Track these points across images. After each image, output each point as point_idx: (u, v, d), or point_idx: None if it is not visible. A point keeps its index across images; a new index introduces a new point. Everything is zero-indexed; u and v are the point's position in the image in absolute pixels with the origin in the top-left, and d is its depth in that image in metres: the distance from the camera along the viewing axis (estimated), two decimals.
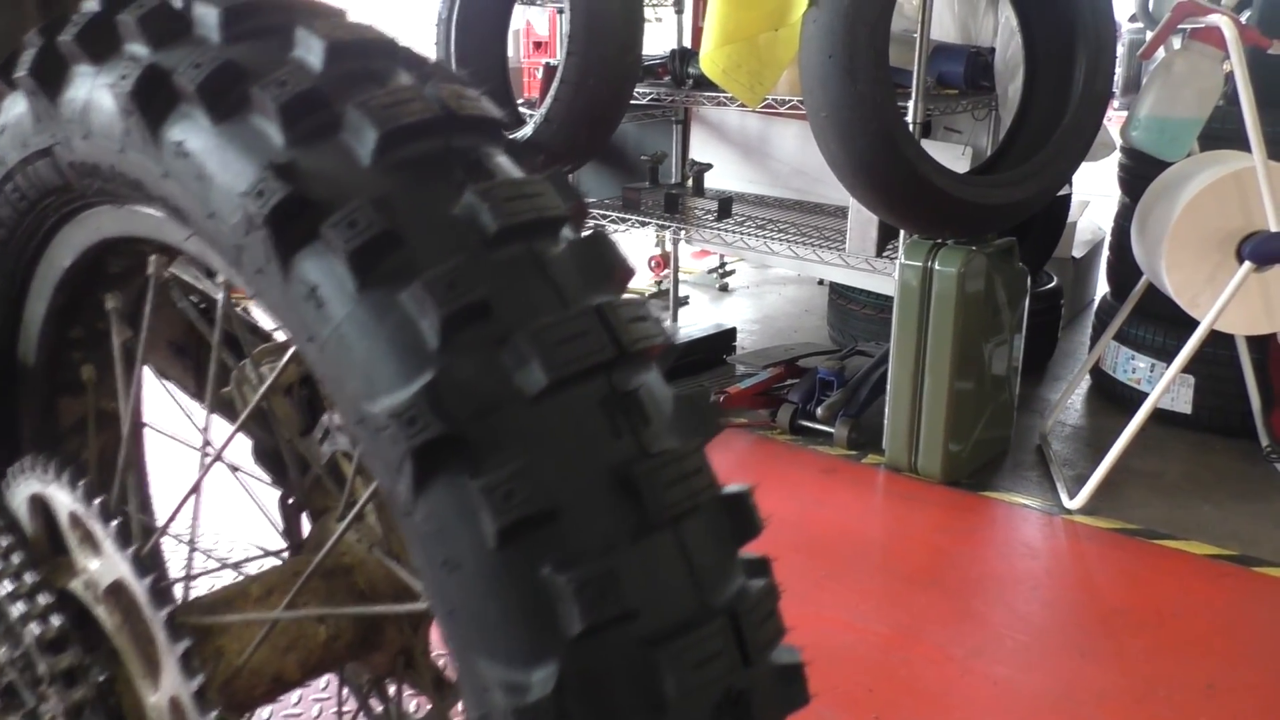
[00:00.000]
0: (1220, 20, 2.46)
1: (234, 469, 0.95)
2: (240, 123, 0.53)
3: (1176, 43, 2.84)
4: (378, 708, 0.95)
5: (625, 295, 0.55)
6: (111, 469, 0.96)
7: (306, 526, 0.94)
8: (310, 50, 0.54)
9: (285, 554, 0.97)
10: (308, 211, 0.50)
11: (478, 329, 0.48)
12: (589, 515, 0.46)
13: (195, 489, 0.70)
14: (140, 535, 0.71)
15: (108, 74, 0.57)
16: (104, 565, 0.63)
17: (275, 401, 0.94)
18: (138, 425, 0.84)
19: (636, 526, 0.48)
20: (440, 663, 0.85)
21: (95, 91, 0.58)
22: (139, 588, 0.60)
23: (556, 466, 0.46)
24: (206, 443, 0.85)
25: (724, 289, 4.84)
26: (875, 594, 2.26)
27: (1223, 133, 2.85)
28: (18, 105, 0.66)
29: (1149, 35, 8.21)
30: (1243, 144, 2.61)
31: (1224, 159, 2.64)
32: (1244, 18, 2.58)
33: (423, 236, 0.49)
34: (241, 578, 0.81)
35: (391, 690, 0.87)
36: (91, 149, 0.60)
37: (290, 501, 0.95)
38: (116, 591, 0.64)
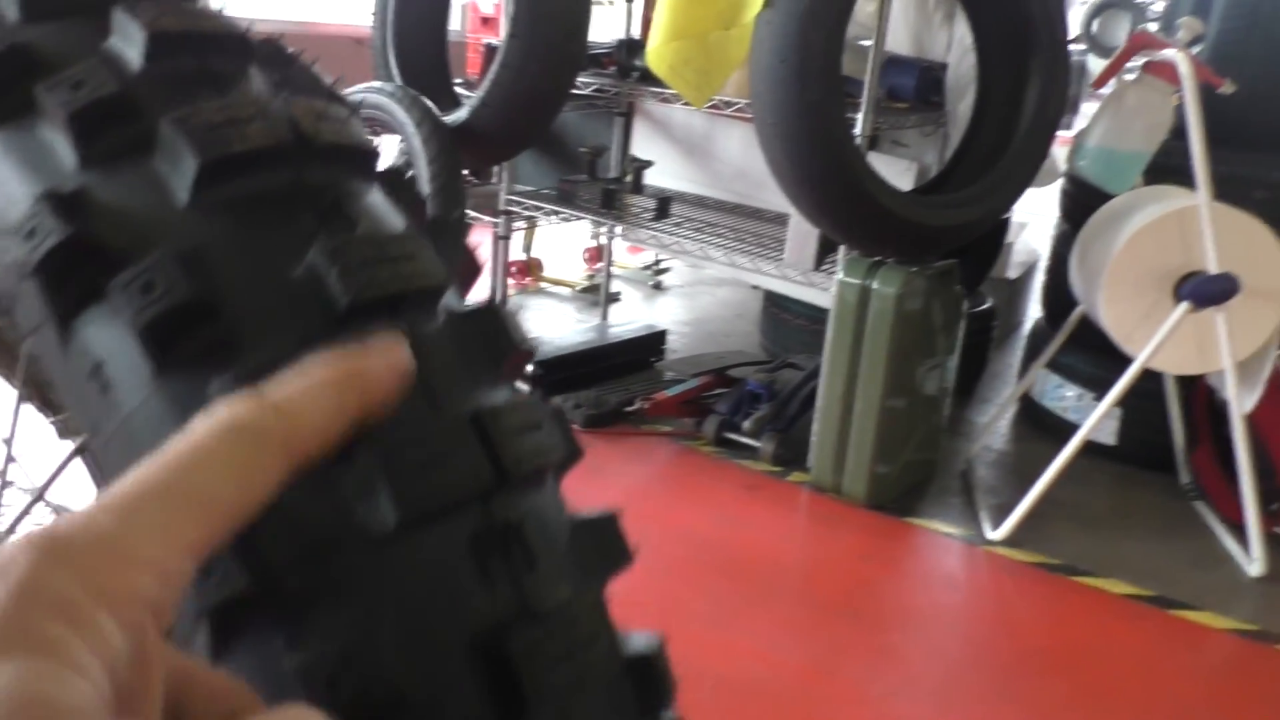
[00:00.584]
0: (1176, 56, 2.43)
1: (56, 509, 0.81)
2: (23, 131, 0.40)
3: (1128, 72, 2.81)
4: None
5: (517, 392, 0.41)
6: None
7: None
8: (128, 40, 0.41)
9: None
10: (94, 262, 0.37)
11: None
12: (446, 699, 0.35)
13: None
14: None
15: None
16: None
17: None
18: None
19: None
20: None
21: None
22: None
23: (402, 636, 0.34)
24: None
25: (657, 287, 4.74)
26: (794, 623, 2.19)
27: (1167, 166, 2.83)
28: None
29: (1090, 58, 8.28)
30: (1186, 178, 2.59)
31: (1168, 195, 2.62)
32: (1194, 52, 2.55)
33: (245, 308, 0.37)
34: None
35: None
36: None
37: None
38: None
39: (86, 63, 0.40)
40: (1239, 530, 2.62)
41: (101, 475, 0.39)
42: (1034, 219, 4.80)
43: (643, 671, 0.39)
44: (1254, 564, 2.49)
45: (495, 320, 0.41)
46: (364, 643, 0.33)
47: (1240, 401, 2.47)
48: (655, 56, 2.66)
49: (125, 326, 0.36)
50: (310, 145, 0.40)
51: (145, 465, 0.28)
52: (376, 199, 0.43)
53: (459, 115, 3.04)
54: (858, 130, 2.57)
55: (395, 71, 3.33)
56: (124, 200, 0.38)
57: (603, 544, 0.41)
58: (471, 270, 0.45)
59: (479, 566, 0.35)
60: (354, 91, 3.10)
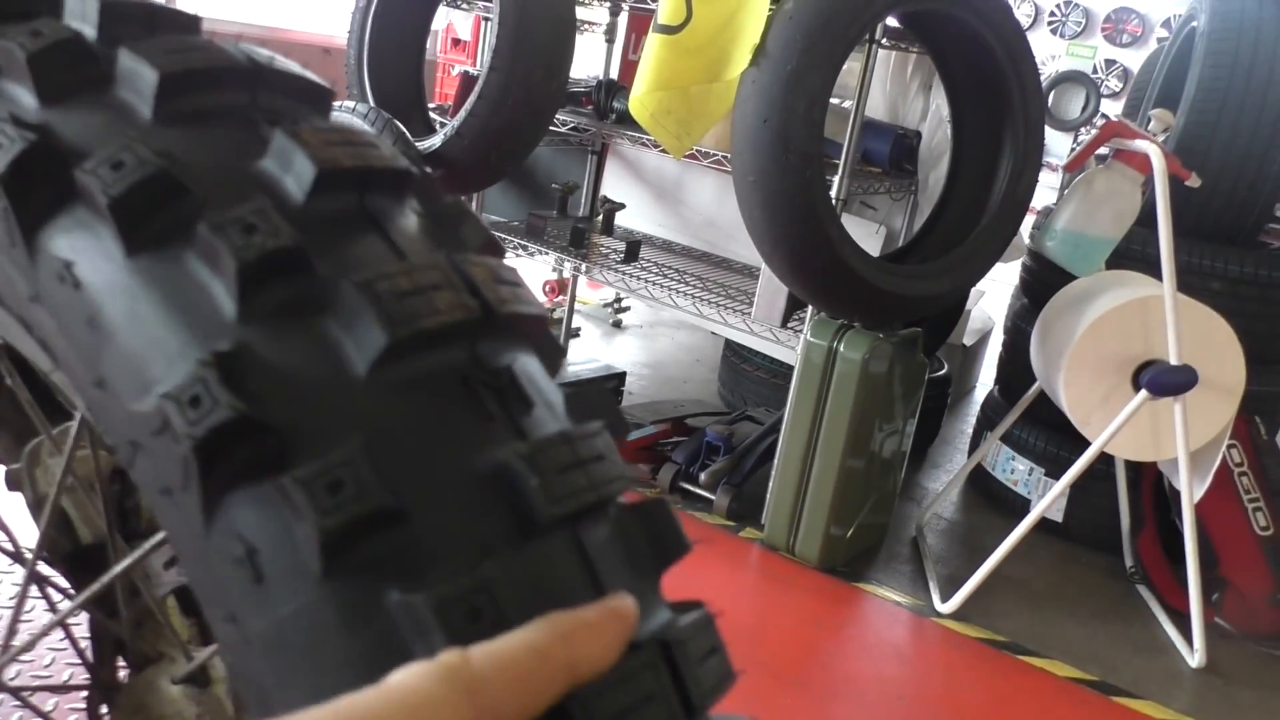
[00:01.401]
0: (1148, 147, 2.47)
1: (42, 581, 0.76)
2: (171, 264, 0.34)
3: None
4: None
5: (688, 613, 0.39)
6: None
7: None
8: (291, 169, 0.36)
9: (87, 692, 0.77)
10: (265, 442, 0.32)
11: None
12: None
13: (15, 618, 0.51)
14: None
15: None
16: None
17: (77, 499, 0.75)
18: None
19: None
20: None
21: None
22: None
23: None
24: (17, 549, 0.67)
25: (617, 325, 4.71)
26: (740, 689, 2.13)
27: (1128, 251, 2.88)
28: None
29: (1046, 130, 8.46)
30: (1146, 264, 2.64)
31: (1130, 282, 2.66)
32: (1163, 141, 2.61)
33: (438, 517, 0.33)
34: None
35: None
36: None
37: (105, 633, 0.76)
38: None
39: (256, 201, 0.35)
40: (1181, 618, 2.65)
41: (236, 665, 0.34)
42: (991, 286, 4.86)
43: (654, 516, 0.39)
44: (1195, 655, 2.52)
45: (662, 518, 0.39)
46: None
47: (1191, 491, 2.50)
48: (638, 104, 2.64)
49: (298, 524, 0.31)
50: (493, 316, 0.36)
51: (324, 708, 0.26)
52: (540, 371, 0.39)
53: (432, 142, 2.99)
54: (833, 192, 2.57)
55: (369, 92, 3.27)
56: (291, 367, 0.34)
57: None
58: (624, 434, 0.42)
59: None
60: None
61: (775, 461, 2.76)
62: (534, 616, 0.31)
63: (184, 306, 0.35)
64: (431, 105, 3.55)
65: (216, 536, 0.33)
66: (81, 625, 0.83)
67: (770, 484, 2.78)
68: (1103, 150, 2.72)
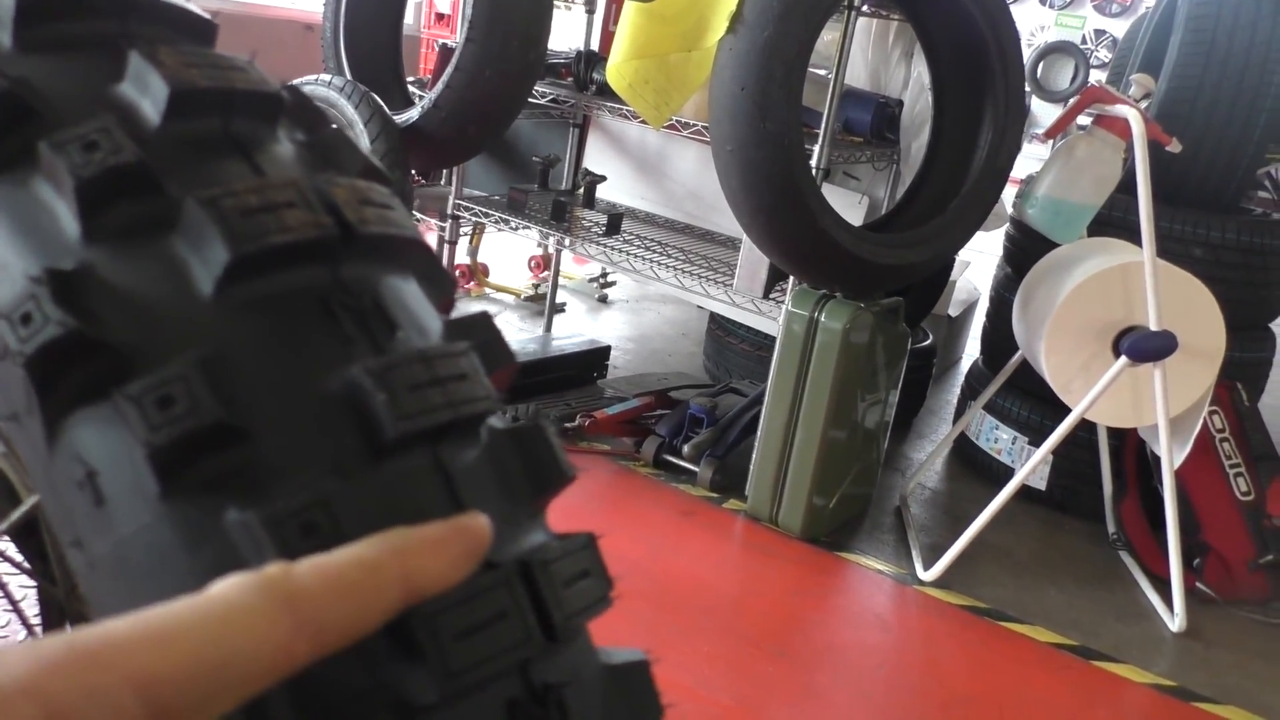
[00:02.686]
0: (1128, 112, 2.46)
1: None
2: (16, 187, 0.34)
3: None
4: None
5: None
6: None
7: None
8: (147, 92, 0.35)
9: None
10: (103, 360, 0.31)
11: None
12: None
13: None
14: None
15: None
16: None
17: (15, 464, 0.74)
18: None
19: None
20: None
21: None
22: None
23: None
24: None
25: (603, 300, 4.70)
26: (723, 658, 2.16)
27: (1110, 219, 2.88)
28: None
29: (1033, 101, 8.47)
30: (1128, 231, 2.63)
31: (1112, 249, 2.65)
32: (1144, 107, 2.59)
33: (279, 433, 0.32)
34: None
35: None
36: None
37: (50, 602, 0.75)
38: None
39: (100, 119, 0.34)
40: (1162, 584, 2.66)
41: (87, 589, 0.33)
42: (977, 258, 4.86)
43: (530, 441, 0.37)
44: (1175, 620, 2.53)
45: (538, 443, 0.37)
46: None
47: (1171, 456, 2.51)
48: (615, 73, 2.62)
49: (133, 442, 0.30)
50: (353, 236, 0.35)
51: (135, 617, 0.25)
52: (415, 295, 0.38)
53: (410, 115, 2.96)
54: (814, 162, 2.56)
55: (346, 65, 3.24)
56: (134, 284, 0.33)
57: (635, 697, 0.38)
58: (510, 369, 0.40)
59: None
60: (300, 84, 3.01)
61: (758, 433, 2.76)
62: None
63: (28, 228, 0.34)
64: (411, 79, 3.52)
65: (59, 460, 0.32)
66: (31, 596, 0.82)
67: (753, 455, 2.78)
68: (1086, 120, 2.71)
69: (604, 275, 4.73)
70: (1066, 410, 2.54)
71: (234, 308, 0.33)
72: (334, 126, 0.41)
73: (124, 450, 0.31)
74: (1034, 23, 9.70)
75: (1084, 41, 9.53)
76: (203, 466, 0.31)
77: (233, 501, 0.31)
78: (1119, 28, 9.32)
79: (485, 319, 0.39)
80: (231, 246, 0.33)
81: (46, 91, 0.36)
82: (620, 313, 4.61)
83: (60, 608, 0.75)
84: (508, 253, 4.93)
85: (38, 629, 0.82)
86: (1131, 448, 2.95)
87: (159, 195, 0.34)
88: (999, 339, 3.24)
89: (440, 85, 2.86)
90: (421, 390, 0.33)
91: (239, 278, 0.33)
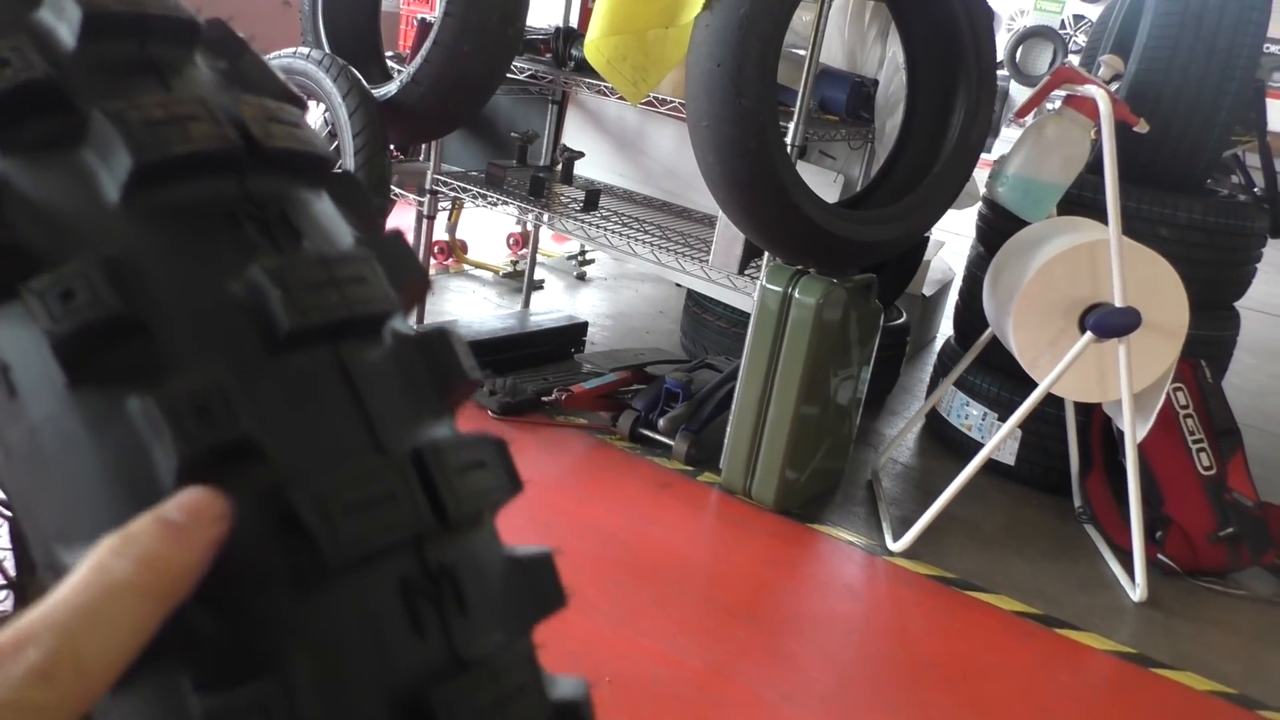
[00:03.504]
0: (1095, 92, 2.50)
1: None
2: None
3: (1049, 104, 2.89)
4: None
5: (461, 435, 0.40)
6: None
7: None
8: (61, 15, 0.38)
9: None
10: (12, 261, 0.34)
11: (238, 479, 0.33)
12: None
13: None
14: None
15: None
16: None
17: None
18: None
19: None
20: None
21: None
22: None
23: (324, 688, 0.33)
24: None
25: (581, 278, 4.72)
26: (695, 625, 2.20)
27: (1080, 199, 2.93)
28: None
29: (1011, 85, 8.48)
30: (1096, 211, 2.68)
31: (1080, 227, 2.70)
32: (1113, 89, 2.64)
33: (178, 326, 0.34)
34: None
35: None
36: None
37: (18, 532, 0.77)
38: None
39: (12, 38, 0.37)
40: (1125, 555, 2.72)
41: (5, 481, 0.36)
42: (951, 239, 4.91)
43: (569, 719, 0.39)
44: (1137, 590, 2.59)
45: (443, 348, 0.40)
46: (283, 690, 0.31)
47: (1134, 431, 2.56)
48: (593, 49, 2.64)
49: (39, 334, 0.33)
50: (258, 150, 0.38)
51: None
52: (326, 210, 0.41)
53: (388, 89, 2.97)
54: (789, 139, 2.59)
55: (324, 39, 3.24)
56: (45, 194, 0.35)
57: (537, 585, 0.39)
58: (421, 287, 0.43)
59: (408, 614, 0.34)
60: (278, 57, 3.01)
61: (732, 407, 2.80)
62: (276, 422, 0.34)
63: None
64: (390, 54, 3.53)
65: None
66: (2, 534, 0.84)
67: (727, 429, 2.82)
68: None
69: (583, 253, 4.76)
70: (1035, 387, 2.60)
71: (140, 214, 0.36)
72: (253, 54, 0.44)
73: (33, 344, 0.34)
74: (1014, 7, 9.76)
75: (1063, 26, 9.59)
76: (106, 358, 0.34)
77: (134, 391, 0.33)
78: (1098, 14, 9.38)
79: (397, 235, 0.42)
80: (135, 155, 0.35)
81: None
82: (598, 290, 4.63)
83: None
84: (486, 230, 4.94)
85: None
86: (1097, 424, 3.01)
87: (70, 111, 0.37)
88: (971, 316, 3.29)
89: (419, 60, 2.87)
90: (319, 289, 0.36)
91: (144, 185, 0.36)
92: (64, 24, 0.38)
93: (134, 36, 0.39)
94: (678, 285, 4.43)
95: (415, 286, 0.42)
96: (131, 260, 0.34)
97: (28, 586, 0.80)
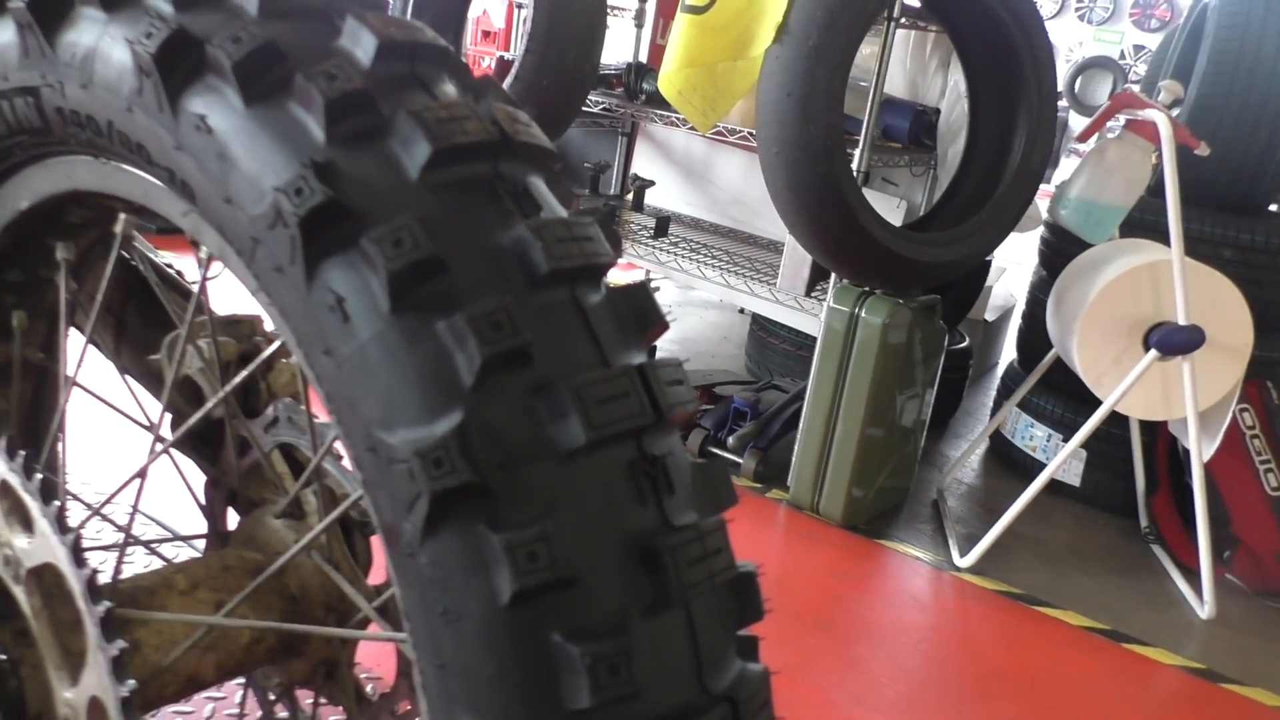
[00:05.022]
0: (1156, 116, 2.57)
1: (170, 447, 0.90)
2: (276, 109, 0.50)
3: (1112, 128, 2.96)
4: (281, 714, 0.91)
5: (660, 356, 0.54)
6: (27, 419, 0.90)
7: (233, 516, 0.90)
8: (359, 44, 0.52)
9: (203, 541, 0.92)
10: (346, 220, 0.47)
11: (517, 375, 0.46)
12: (607, 586, 0.46)
13: (141, 474, 0.65)
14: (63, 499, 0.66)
15: (124, 26, 0.52)
16: (34, 545, 0.58)
17: (211, 379, 0.89)
18: (71, 383, 0.79)
19: (651, 602, 0.47)
20: (363, 678, 0.82)
21: (105, 41, 0.54)
22: (75, 579, 0.55)
23: (581, 531, 0.45)
24: (153, 426, 0.81)
25: None
26: (768, 631, 2.26)
27: (1142, 221, 2.98)
28: (4, 33, 0.61)
29: (1071, 115, 8.55)
30: (1159, 234, 2.73)
31: (1142, 248, 2.76)
32: (1174, 114, 2.70)
33: (469, 266, 0.47)
34: (163, 565, 0.77)
35: (306, 700, 0.83)
36: (90, 100, 0.55)
37: (217, 488, 0.90)
38: (41, 574, 0.59)
39: (335, 58, 0.50)
40: (1192, 574, 2.75)
41: (330, 386, 0.49)
42: (1013, 266, 4.96)
43: (743, 585, 0.51)
44: (1205, 607, 2.62)
45: (644, 297, 0.53)
46: (554, 533, 0.43)
47: (1200, 449, 2.60)
48: (666, 82, 2.77)
49: (373, 272, 0.46)
50: (509, 142, 0.51)
51: None
52: (548, 189, 0.54)
53: None
54: (854, 166, 2.69)
55: None
56: (365, 172, 0.48)
57: (717, 485, 0.53)
58: (661, 328, 0.57)
59: (634, 488, 0.47)
60: None
61: (800, 424, 2.88)
62: (539, 338, 0.46)
63: (286, 136, 0.49)
64: None
65: (315, 293, 0.48)
66: (199, 490, 0.96)
67: (795, 447, 2.90)
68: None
69: (649, 280, 4.88)
70: (1099, 408, 2.65)
71: (430, 187, 0.49)
72: (482, 76, 0.59)
73: (362, 281, 0.47)
74: (1072, 38, 9.78)
75: (1122, 56, 9.59)
76: (418, 290, 0.46)
77: (439, 315, 0.45)
78: (1158, 42, 9.37)
79: (643, 285, 0.56)
80: (433, 143, 0.48)
81: (286, 44, 0.52)
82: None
83: (229, 495, 0.90)
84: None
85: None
86: (1163, 444, 3.04)
87: (374, 113, 0.50)
88: (1034, 339, 3.35)
89: None
90: (564, 242, 0.49)
91: (435, 167, 0.49)
92: (360, 48, 0.52)
93: (408, 58, 0.53)
94: (742, 311, 4.53)
95: (656, 330, 0.56)
96: (431, 219, 0.47)
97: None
